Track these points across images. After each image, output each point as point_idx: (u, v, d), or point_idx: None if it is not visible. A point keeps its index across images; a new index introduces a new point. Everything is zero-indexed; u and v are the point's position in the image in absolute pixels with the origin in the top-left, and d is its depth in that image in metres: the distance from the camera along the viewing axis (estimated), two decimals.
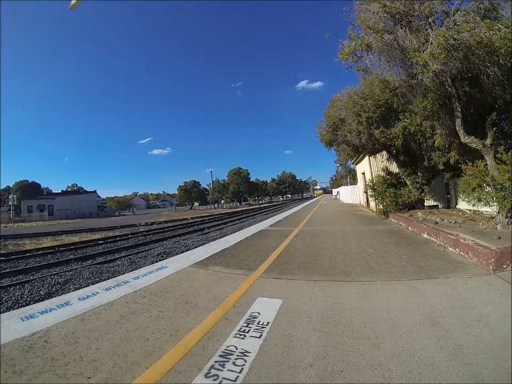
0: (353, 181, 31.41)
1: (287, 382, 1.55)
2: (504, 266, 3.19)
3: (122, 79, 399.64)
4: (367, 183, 13.97)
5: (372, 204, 12.51)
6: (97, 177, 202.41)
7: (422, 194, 8.86)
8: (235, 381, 1.56)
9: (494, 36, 4.55)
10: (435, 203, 10.32)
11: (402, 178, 9.50)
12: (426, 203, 9.63)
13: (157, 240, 12.06)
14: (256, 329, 2.14)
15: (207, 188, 65.72)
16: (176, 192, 62.73)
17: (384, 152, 10.50)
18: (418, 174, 8.90)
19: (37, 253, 10.18)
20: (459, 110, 5.68)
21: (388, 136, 7.85)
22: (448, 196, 9.98)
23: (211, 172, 66.48)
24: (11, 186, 58.38)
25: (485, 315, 2.18)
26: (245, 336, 2.05)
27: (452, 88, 5.66)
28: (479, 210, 6.42)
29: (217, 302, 2.74)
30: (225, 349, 1.88)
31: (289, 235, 6.83)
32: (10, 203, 21.65)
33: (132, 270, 5.38)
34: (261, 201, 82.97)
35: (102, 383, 1.59)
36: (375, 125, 7.98)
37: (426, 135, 7.05)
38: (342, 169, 53.34)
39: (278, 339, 1.99)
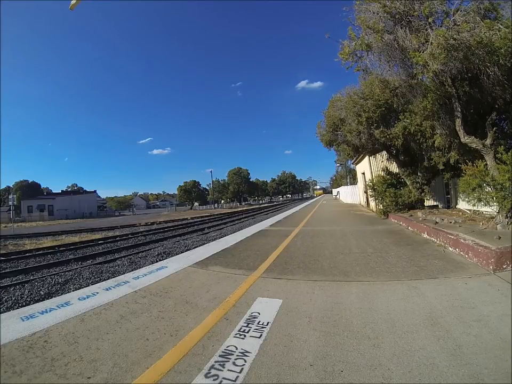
0: (353, 181, 31.40)
1: (287, 382, 1.55)
2: (504, 266, 3.19)
3: (122, 79, 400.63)
4: (367, 183, 13.96)
5: (372, 203, 12.51)
6: (97, 177, 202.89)
7: (422, 194, 8.86)
8: (235, 381, 1.56)
9: (494, 36, 4.55)
10: (435, 203, 10.31)
11: (402, 178, 9.50)
12: (426, 203, 9.63)
13: (157, 240, 12.06)
14: (256, 329, 2.14)
15: (207, 187, 65.86)
16: (176, 192, 62.81)
17: (384, 152, 10.51)
18: (418, 174, 8.90)
19: (37, 253, 10.18)
20: (459, 110, 5.68)
21: (387, 136, 7.85)
22: (448, 196, 9.98)
23: (211, 172, 67.29)
24: (11, 186, 58.38)
25: (485, 315, 2.18)
26: (245, 336, 2.05)
27: (451, 88, 5.66)
28: (479, 210, 6.42)
29: (217, 302, 2.74)
30: (225, 349, 1.88)
31: (289, 235, 6.83)
32: (10, 203, 21.62)
33: (132, 270, 5.38)
34: (261, 201, 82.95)
35: (102, 383, 1.59)
36: (375, 125, 7.98)
37: (426, 135, 7.05)
38: (342, 169, 53.39)
39: (278, 339, 1.99)
